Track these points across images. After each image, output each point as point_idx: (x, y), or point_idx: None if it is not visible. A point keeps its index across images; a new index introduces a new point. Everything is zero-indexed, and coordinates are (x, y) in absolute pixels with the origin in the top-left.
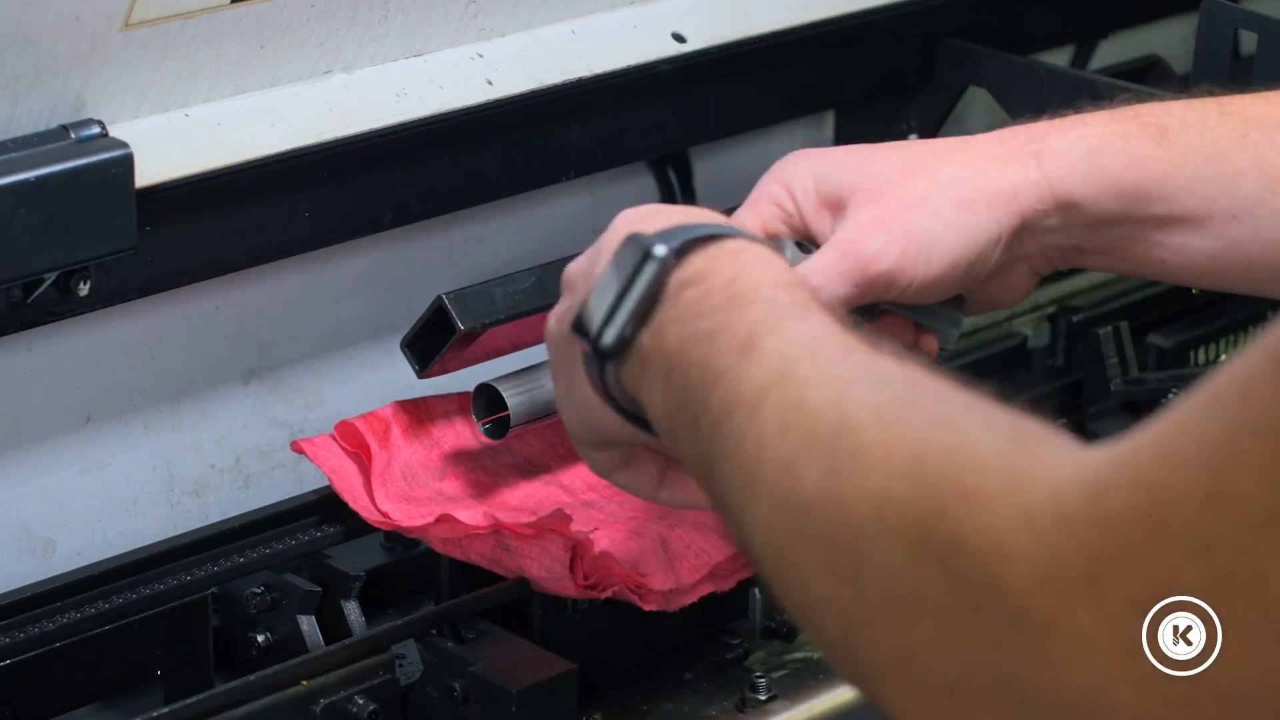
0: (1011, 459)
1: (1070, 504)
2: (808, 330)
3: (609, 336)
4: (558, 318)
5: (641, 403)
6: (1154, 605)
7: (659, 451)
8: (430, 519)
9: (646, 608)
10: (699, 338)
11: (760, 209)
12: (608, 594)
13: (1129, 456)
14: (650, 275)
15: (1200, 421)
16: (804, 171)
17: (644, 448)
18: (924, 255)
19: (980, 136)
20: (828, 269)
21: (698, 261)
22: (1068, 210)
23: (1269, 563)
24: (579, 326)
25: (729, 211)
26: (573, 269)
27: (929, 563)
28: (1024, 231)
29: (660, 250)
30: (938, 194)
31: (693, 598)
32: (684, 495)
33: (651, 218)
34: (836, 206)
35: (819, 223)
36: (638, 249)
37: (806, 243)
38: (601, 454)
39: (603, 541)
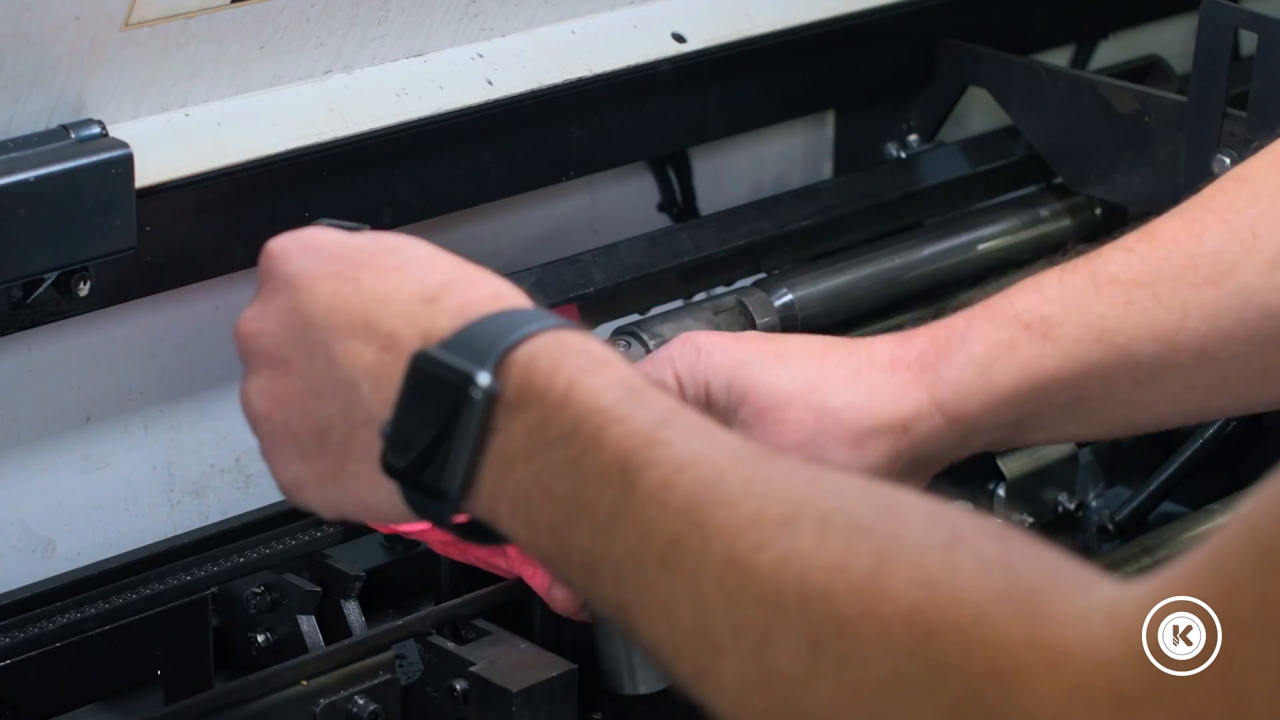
0: (1031, 626)
1: (1123, 676)
2: (688, 451)
3: (449, 486)
4: (275, 399)
5: (492, 531)
6: None
7: None
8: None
9: None
10: (557, 471)
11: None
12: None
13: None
14: (478, 418)
15: (1257, 580)
16: (699, 374)
17: None
18: None
19: (870, 350)
20: None
21: (515, 375)
22: (964, 429)
23: None
24: (397, 474)
25: None
26: (269, 339)
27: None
28: (917, 454)
29: (482, 383)
30: (828, 432)
31: None
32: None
33: (356, 284)
34: (724, 412)
35: (722, 399)
36: (447, 384)
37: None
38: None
39: None
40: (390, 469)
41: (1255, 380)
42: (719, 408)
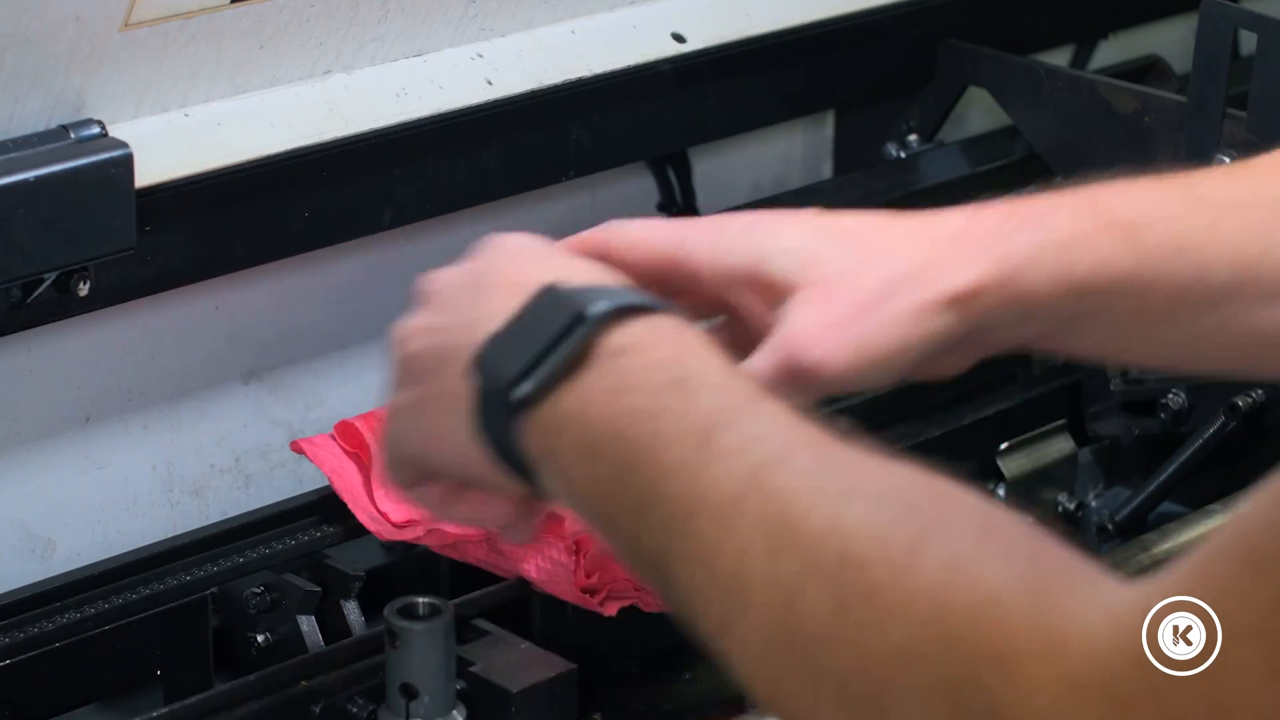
0: (1039, 615)
1: (1116, 672)
2: (770, 429)
3: (524, 389)
4: (419, 332)
5: (542, 463)
6: None
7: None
8: (422, 529)
9: (646, 609)
10: (638, 415)
11: (687, 255)
12: (609, 609)
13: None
14: (581, 334)
15: (1246, 584)
16: (751, 247)
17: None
18: (870, 362)
19: (941, 221)
20: (766, 367)
21: (637, 330)
22: (1029, 311)
23: None
24: (484, 367)
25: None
26: (443, 286)
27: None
28: (979, 328)
29: (598, 308)
30: (893, 298)
31: None
32: (478, 513)
33: (545, 260)
34: (777, 292)
35: (748, 299)
36: (565, 306)
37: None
38: (416, 479)
39: None
40: (481, 366)
41: None
42: (773, 280)
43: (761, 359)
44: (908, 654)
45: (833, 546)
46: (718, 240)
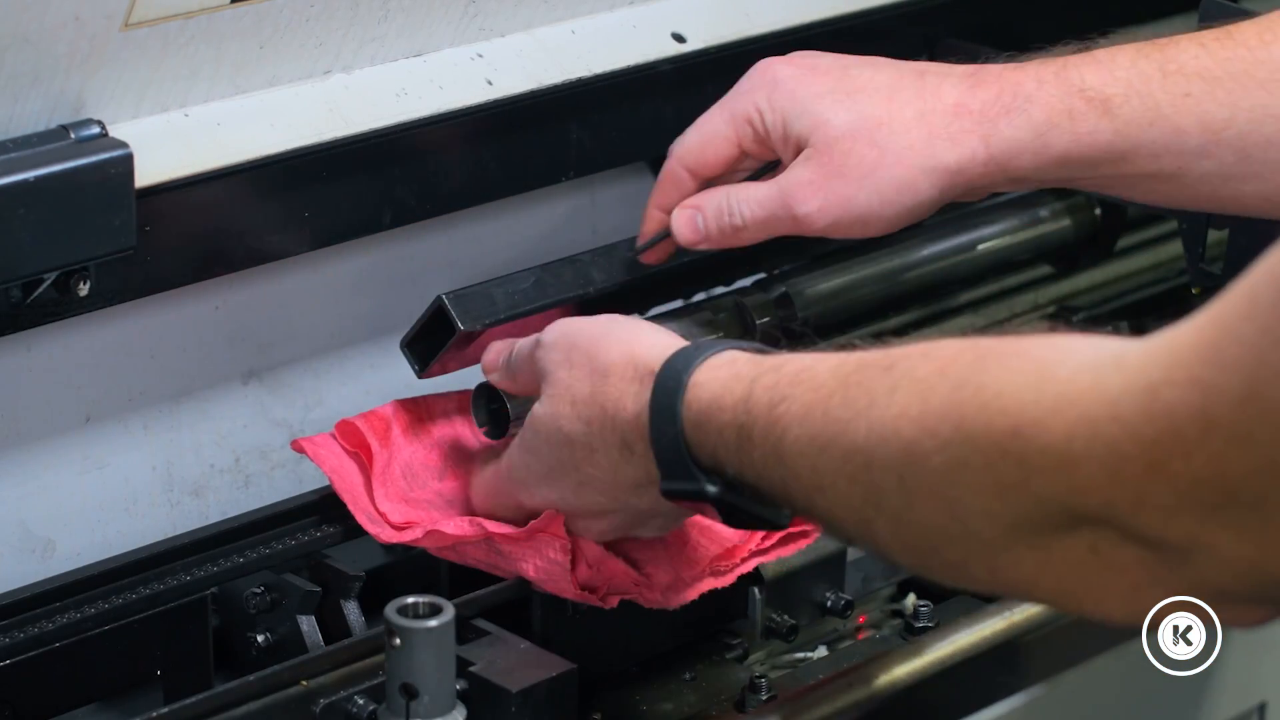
0: (1038, 386)
1: (1126, 406)
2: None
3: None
4: (564, 418)
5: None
6: (1215, 483)
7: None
8: (420, 532)
9: (646, 605)
10: (809, 409)
11: (737, 125)
12: (610, 602)
13: (1179, 357)
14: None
15: (1241, 326)
16: (777, 106)
17: None
18: (855, 223)
19: (937, 92)
20: (764, 204)
21: (710, 390)
22: (1012, 179)
23: None
24: (681, 491)
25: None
26: (558, 370)
27: (1008, 497)
28: (965, 191)
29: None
30: (883, 170)
31: (693, 594)
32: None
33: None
34: (796, 146)
35: (783, 149)
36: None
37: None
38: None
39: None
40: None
41: None
42: (793, 134)
43: (763, 189)
44: (953, 471)
45: (888, 440)
46: (770, 94)
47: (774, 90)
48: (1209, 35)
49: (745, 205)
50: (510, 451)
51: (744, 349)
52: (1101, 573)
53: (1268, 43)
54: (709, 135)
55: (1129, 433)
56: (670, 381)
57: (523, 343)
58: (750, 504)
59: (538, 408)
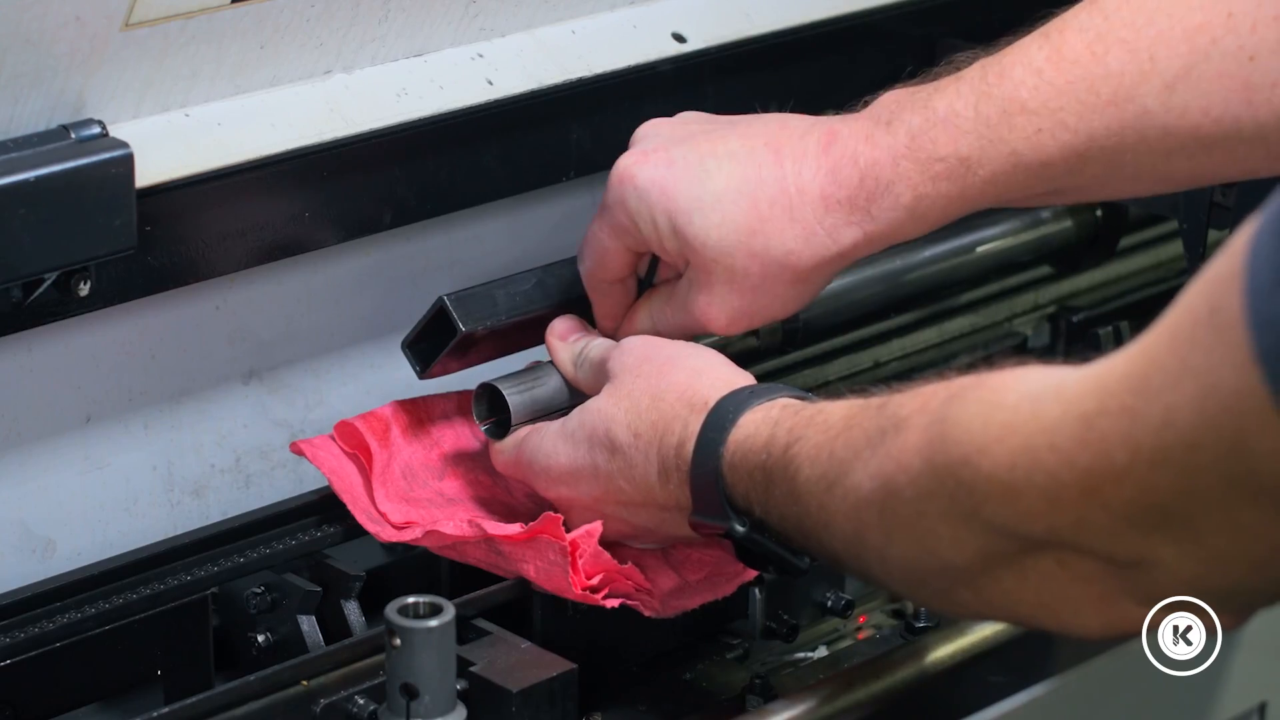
0: (985, 416)
1: (1062, 435)
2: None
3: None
4: (616, 423)
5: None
6: (1147, 505)
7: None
8: (420, 531)
9: (646, 613)
10: (818, 450)
11: (619, 237)
12: (611, 603)
13: (1111, 386)
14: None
15: (1164, 356)
16: (644, 216)
17: None
18: (770, 319)
19: (803, 190)
20: (684, 328)
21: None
22: (918, 230)
23: (1199, 476)
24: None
25: None
26: (624, 375)
27: (970, 525)
28: (875, 247)
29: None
30: (770, 279)
31: (692, 604)
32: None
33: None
34: (678, 254)
35: (667, 251)
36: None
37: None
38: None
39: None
40: (717, 533)
41: (1163, 178)
42: (669, 246)
43: (681, 329)
44: (923, 499)
45: (868, 497)
46: (637, 205)
47: (638, 201)
48: (1039, 58)
49: (659, 321)
50: (545, 432)
51: (797, 396)
52: (1072, 584)
53: (1099, 56)
54: (600, 253)
55: (1065, 460)
56: (720, 419)
57: (599, 342)
58: (774, 546)
59: (593, 402)
